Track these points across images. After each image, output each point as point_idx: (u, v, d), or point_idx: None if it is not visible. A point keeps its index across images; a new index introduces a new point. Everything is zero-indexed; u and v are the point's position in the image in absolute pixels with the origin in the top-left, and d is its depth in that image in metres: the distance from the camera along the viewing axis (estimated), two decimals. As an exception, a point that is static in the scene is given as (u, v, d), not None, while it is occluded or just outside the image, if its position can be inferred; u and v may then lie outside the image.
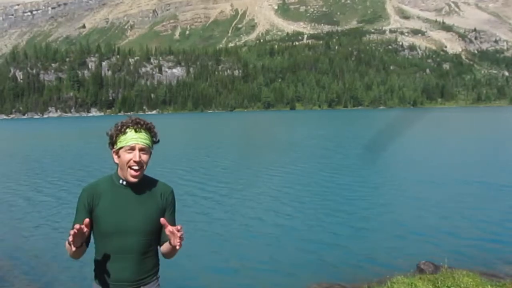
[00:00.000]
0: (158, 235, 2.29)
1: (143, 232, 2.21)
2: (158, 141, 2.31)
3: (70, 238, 1.99)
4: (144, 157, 2.19)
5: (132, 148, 2.17)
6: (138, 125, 2.19)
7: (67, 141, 36.75)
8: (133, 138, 2.17)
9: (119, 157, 2.21)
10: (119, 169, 2.24)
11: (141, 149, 2.18)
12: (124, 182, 2.23)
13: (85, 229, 2.02)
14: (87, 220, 2.04)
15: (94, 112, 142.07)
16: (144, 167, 2.22)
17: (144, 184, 2.26)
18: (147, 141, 2.21)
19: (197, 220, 9.66)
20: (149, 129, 2.23)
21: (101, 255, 2.22)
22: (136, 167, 2.18)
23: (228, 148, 27.56)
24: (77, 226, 1.98)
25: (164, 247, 2.27)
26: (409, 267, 6.50)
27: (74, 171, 18.14)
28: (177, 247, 2.13)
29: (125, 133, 2.18)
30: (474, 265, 6.59)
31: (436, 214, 9.98)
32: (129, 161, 2.16)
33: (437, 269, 6.27)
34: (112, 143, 2.23)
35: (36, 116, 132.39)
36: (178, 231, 2.09)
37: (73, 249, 2.04)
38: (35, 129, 63.24)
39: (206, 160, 21.06)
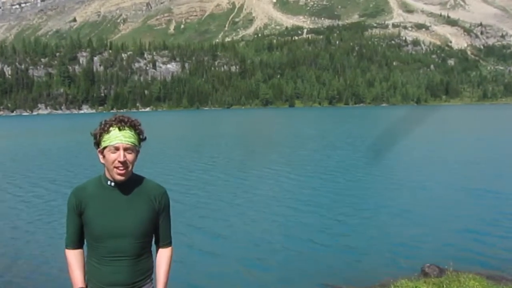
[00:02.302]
0: (152, 237, 2.26)
1: (135, 234, 2.17)
2: (145, 138, 2.25)
3: None
4: (130, 156, 2.14)
5: (117, 148, 2.11)
6: (122, 123, 2.13)
7: (56, 139, 35.77)
8: (117, 137, 2.11)
9: (104, 157, 2.16)
10: (105, 169, 2.20)
11: (126, 149, 2.12)
12: (112, 183, 2.18)
13: None
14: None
15: (85, 109, 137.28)
16: (130, 167, 2.17)
17: (133, 184, 2.22)
18: (132, 140, 2.15)
19: (187, 222, 9.36)
20: (134, 127, 2.17)
21: (94, 258, 2.19)
22: (122, 167, 2.12)
23: (213, 148, 27.10)
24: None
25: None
26: (413, 270, 6.44)
27: (64, 169, 18.40)
28: None
29: (109, 132, 2.12)
30: (480, 268, 6.49)
31: (441, 217, 9.82)
32: (114, 161, 2.11)
33: (442, 272, 6.18)
34: (97, 142, 2.17)
35: (25, 113, 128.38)
36: None
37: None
38: (24, 126, 61.20)
39: (188, 162, 20.69)
